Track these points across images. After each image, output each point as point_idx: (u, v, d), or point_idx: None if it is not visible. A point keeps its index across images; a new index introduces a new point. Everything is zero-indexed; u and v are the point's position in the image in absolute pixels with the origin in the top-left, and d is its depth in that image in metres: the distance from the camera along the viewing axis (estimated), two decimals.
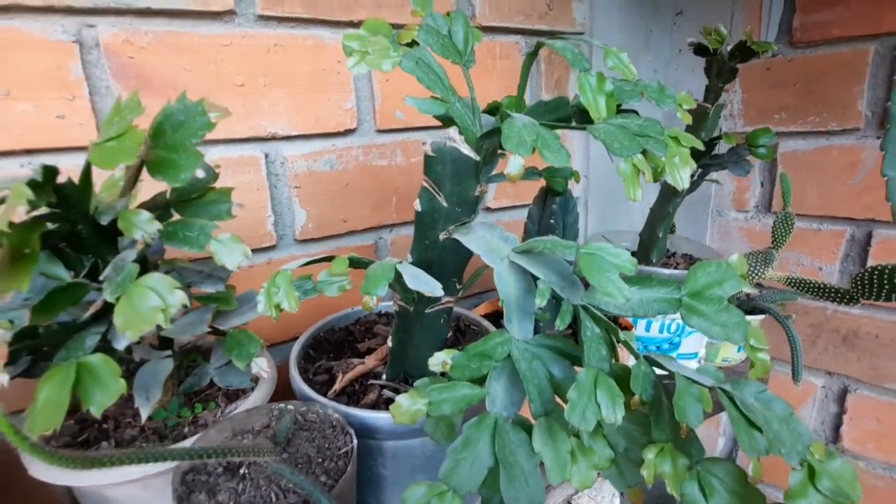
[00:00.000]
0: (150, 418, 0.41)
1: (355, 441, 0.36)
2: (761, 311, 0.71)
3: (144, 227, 0.27)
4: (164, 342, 0.39)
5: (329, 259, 0.32)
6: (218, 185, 0.43)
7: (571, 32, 0.79)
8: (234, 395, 0.45)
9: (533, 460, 0.26)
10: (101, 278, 0.27)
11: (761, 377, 0.32)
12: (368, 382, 0.46)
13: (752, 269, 0.68)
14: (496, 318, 0.63)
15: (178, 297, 0.24)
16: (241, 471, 0.35)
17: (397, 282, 0.32)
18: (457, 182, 0.34)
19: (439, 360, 0.27)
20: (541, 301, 0.29)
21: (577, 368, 0.29)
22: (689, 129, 0.63)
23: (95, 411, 0.24)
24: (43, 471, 0.36)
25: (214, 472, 0.35)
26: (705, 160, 0.62)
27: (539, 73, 0.78)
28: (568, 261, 0.32)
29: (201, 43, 0.55)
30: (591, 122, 0.34)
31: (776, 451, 0.25)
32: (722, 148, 0.62)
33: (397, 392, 0.45)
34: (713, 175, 0.71)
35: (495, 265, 0.32)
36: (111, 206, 0.28)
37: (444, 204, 0.35)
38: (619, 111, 0.34)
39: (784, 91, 0.77)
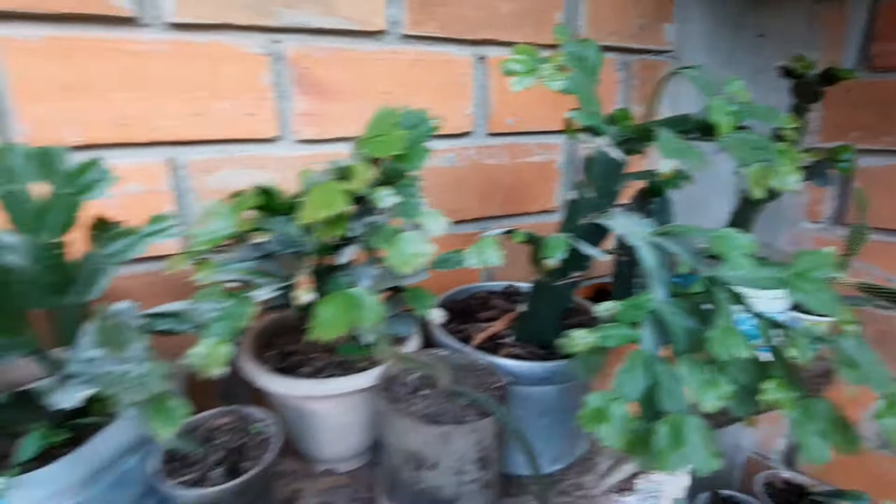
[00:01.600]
0: (331, 352, 0.52)
1: (505, 379, 0.46)
2: None
3: (388, 200, 0.37)
4: None
5: (509, 232, 0.42)
6: None
7: (661, 51, 0.87)
8: (395, 342, 0.55)
9: (678, 383, 0.35)
10: (352, 236, 0.38)
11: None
12: (498, 341, 0.56)
13: None
14: (592, 300, 0.72)
15: (431, 248, 0.35)
16: (422, 392, 0.45)
17: (564, 252, 0.41)
18: (605, 178, 0.43)
19: (607, 307, 0.36)
20: (683, 270, 0.38)
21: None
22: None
23: (367, 324, 0.35)
24: (265, 380, 0.47)
25: (403, 392, 0.45)
26: None
27: (630, 88, 0.86)
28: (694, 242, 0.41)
29: (359, 57, 0.66)
30: (712, 135, 0.43)
31: (866, 383, 0.33)
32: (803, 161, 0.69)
33: (524, 350, 0.54)
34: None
35: (637, 244, 0.41)
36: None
37: (593, 195, 0.44)
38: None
39: (862, 111, 0.83)
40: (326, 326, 0.35)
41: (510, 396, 0.49)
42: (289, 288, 0.37)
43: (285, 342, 0.55)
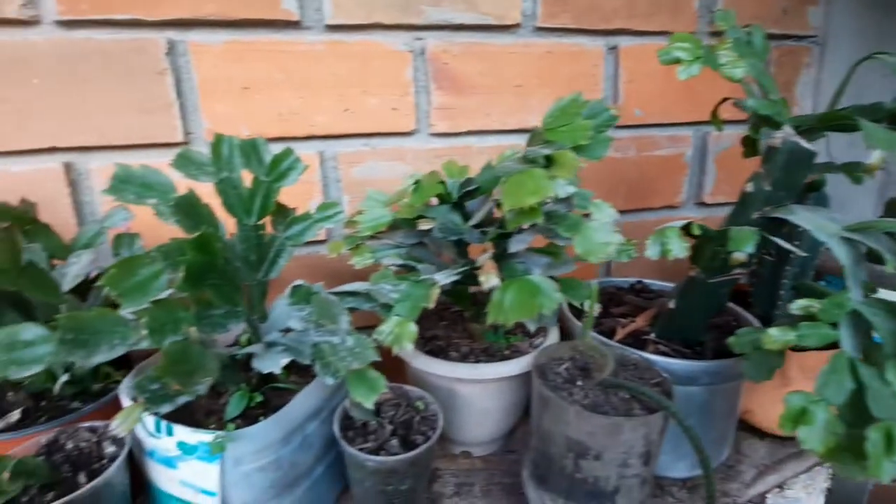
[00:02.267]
0: (473, 338, 0.54)
1: (665, 375, 0.45)
2: None
3: (565, 189, 0.38)
4: None
5: (687, 226, 0.41)
6: None
7: (804, 36, 0.80)
8: (533, 333, 0.56)
9: (887, 388, 0.32)
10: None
11: None
12: (641, 337, 0.55)
13: None
14: None
15: (618, 238, 0.35)
16: (578, 382, 0.45)
17: (753, 245, 0.39)
18: (788, 170, 0.41)
19: (803, 304, 0.35)
20: (889, 268, 0.35)
21: None
22: None
23: (548, 311, 0.36)
24: (420, 362, 0.49)
25: (559, 381, 0.46)
26: None
27: (769, 75, 0.80)
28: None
29: (494, 51, 0.67)
30: None
31: None
32: None
33: (668, 347, 0.53)
34: None
35: (828, 240, 0.38)
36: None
37: (770, 188, 0.42)
38: None
39: None
40: (509, 311, 0.37)
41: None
42: (465, 273, 0.39)
43: (425, 327, 0.57)
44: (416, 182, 0.42)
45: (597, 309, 0.47)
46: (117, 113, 0.58)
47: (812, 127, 0.43)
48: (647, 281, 0.68)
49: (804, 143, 0.40)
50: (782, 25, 0.79)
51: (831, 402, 0.32)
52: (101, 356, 0.31)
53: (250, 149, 0.44)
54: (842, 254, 0.37)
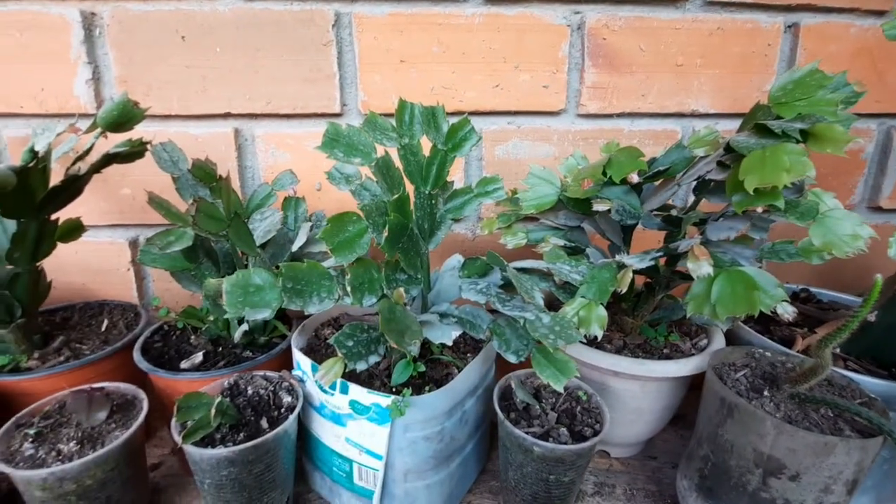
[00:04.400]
0: (624, 333, 0.51)
1: (872, 395, 0.39)
2: None
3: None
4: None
5: None
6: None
7: None
8: (694, 333, 0.52)
9: None
10: (738, 210, 0.35)
11: None
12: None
13: None
14: None
15: (868, 231, 0.30)
16: (765, 392, 0.41)
17: None
18: None
19: None
20: None
21: None
22: None
23: (765, 308, 0.32)
24: (580, 354, 0.47)
25: (739, 388, 0.41)
26: None
27: None
28: None
29: (658, 27, 0.62)
30: None
31: None
32: None
33: (858, 365, 0.46)
34: None
35: None
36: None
37: None
38: None
39: None
40: (718, 304, 0.33)
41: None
42: (657, 259, 0.36)
43: None
44: (609, 158, 0.39)
45: (791, 311, 0.42)
46: (284, 82, 0.60)
47: None
48: (813, 289, 0.61)
49: None
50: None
51: None
52: (314, 307, 0.32)
53: (430, 116, 0.44)
54: None
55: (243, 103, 0.61)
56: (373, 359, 0.34)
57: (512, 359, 0.35)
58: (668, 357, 0.48)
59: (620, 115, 0.65)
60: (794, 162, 0.28)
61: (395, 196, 0.33)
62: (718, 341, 0.49)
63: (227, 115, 0.61)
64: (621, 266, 0.37)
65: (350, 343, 0.33)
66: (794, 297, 0.61)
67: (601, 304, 0.36)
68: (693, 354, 0.48)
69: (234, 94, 0.60)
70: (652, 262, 0.37)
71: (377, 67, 0.61)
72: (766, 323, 0.54)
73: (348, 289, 0.32)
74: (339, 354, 0.32)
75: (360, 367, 0.33)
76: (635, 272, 0.37)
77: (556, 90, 0.63)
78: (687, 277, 0.43)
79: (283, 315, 0.56)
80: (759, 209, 0.32)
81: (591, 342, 0.50)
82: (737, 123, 0.66)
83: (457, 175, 0.66)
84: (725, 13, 0.63)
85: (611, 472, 0.53)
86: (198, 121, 0.61)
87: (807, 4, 0.63)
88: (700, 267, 0.33)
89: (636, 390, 0.48)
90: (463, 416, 0.43)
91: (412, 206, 0.42)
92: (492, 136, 0.65)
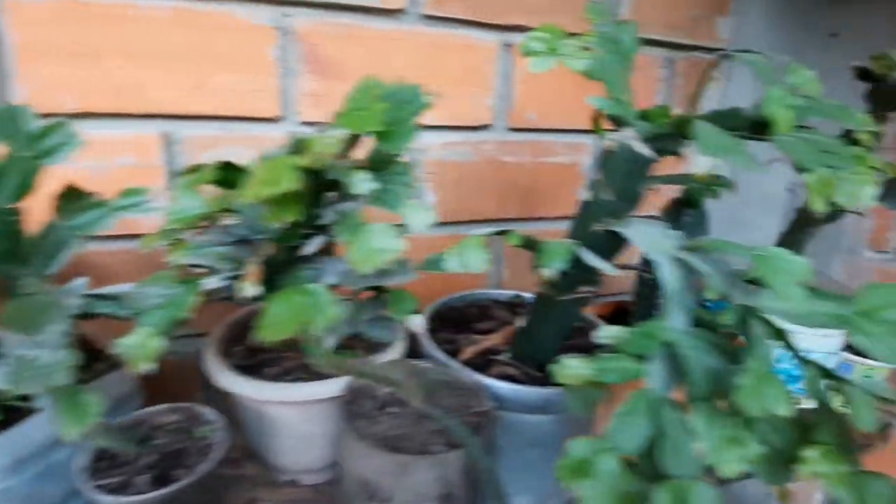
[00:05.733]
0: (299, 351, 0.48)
1: (489, 403, 0.40)
2: None
3: (364, 186, 0.32)
4: None
5: (503, 233, 0.35)
6: None
7: (713, 49, 0.78)
8: (374, 348, 0.50)
9: (690, 437, 0.27)
10: (319, 223, 0.33)
11: None
12: (491, 357, 0.49)
13: None
14: (609, 321, 0.64)
15: (399, 244, 0.29)
16: (391, 409, 0.39)
17: (564, 261, 0.34)
18: (627, 178, 0.36)
19: (612, 332, 0.30)
20: (711, 296, 0.30)
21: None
22: None
23: (319, 327, 0.30)
24: (222, 378, 0.43)
25: (370, 407, 0.40)
26: None
27: (673, 88, 0.78)
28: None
29: (374, 36, 0.61)
30: (765, 133, 0.35)
31: None
32: None
33: (518, 371, 0.48)
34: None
35: (658, 259, 0.34)
36: (333, 166, 0.33)
37: (611, 197, 0.37)
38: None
39: None
40: (274, 326, 0.30)
41: (495, 423, 0.42)
42: (237, 278, 0.33)
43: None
44: (195, 167, 0.36)
45: (420, 323, 0.41)
46: None
47: (663, 133, 0.38)
48: (526, 294, 0.63)
49: (638, 147, 0.35)
50: (690, 35, 0.76)
51: (623, 451, 0.27)
52: None
53: (7, 117, 0.36)
54: (669, 275, 0.33)
55: None
56: None
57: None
58: (332, 377, 0.45)
59: None
60: (277, 175, 0.26)
61: None
62: (393, 354, 0.48)
63: None
64: (197, 287, 0.33)
65: None
66: (506, 304, 0.63)
67: (164, 332, 0.31)
68: None
69: None
70: (225, 283, 0.34)
71: (43, 61, 0.52)
72: (463, 331, 0.54)
73: None
74: None
75: None
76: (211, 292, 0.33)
77: (268, 96, 0.60)
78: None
79: None
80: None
81: (259, 366, 0.46)
82: (461, 136, 0.68)
83: (158, 185, 0.58)
84: (442, 27, 0.64)
85: (296, 502, 0.49)
86: None
87: (521, 25, 0.67)
88: (244, 288, 0.30)
89: (295, 416, 0.44)
90: (48, 469, 0.36)
91: None
92: (199, 142, 0.59)
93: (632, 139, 0.35)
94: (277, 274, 0.34)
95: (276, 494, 0.48)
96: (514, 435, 0.45)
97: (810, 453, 0.27)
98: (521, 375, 0.47)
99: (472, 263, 0.34)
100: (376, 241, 0.29)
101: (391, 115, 0.33)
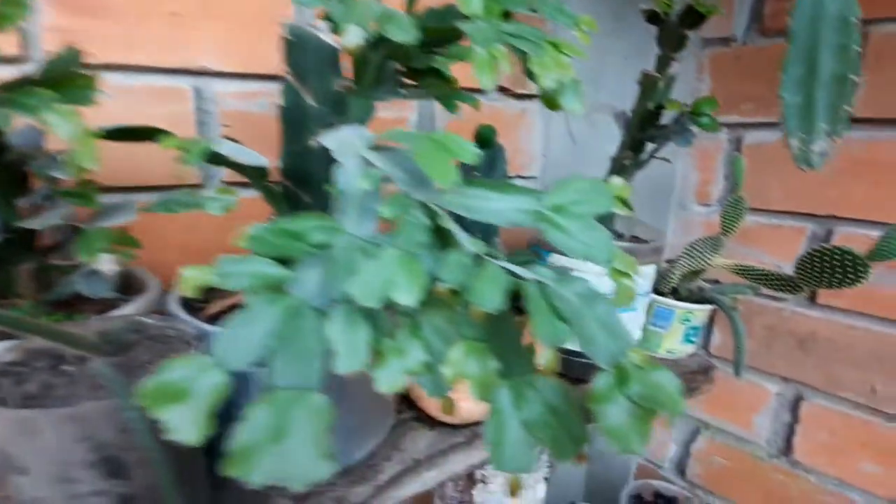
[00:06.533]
0: None
1: (192, 351, 0.34)
2: (709, 302, 0.68)
3: None
4: (23, 235, 0.37)
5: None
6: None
7: None
8: (107, 308, 0.42)
9: (321, 344, 0.23)
10: None
11: (625, 305, 0.30)
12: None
13: (698, 254, 0.65)
14: None
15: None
16: (65, 367, 0.32)
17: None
18: (319, 76, 0.32)
19: (241, 231, 0.25)
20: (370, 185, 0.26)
21: None
22: (638, 99, 0.61)
23: None
24: None
25: (37, 366, 0.32)
26: (651, 130, 0.59)
27: None
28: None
29: None
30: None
31: (586, 349, 0.22)
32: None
33: None
34: (665, 155, 0.68)
35: (345, 160, 0.29)
36: None
37: (312, 102, 0.33)
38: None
39: (752, 81, 0.75)
40: None
41: None
42: None
43: None
44: None
45: (109, 264, 0.34)
46: None
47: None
48: None
49: (324, 36, 0.30)
50: None
51: (232, 367, 0.22)
52: None
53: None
54: (348, 174, 0.28)
55: None
56: None
57: None
58: None
59: (108, 68, 0.55)
60: None
61: None
62: (127, 311, 0.41)
63: None
64: None
65: None
66: None
67: None
68: None
69: None
70: None
71: None
72: None
73: None
74: None
75: None
76: None
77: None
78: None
79: None
80: None
81: None
82: (259, 85, 0.62)
83: None
84: None
85: None
86: None
87: None
88: None
89: None
90: None
91: None
92: None
93: (320, 28, 0.31)
94: None
95: None
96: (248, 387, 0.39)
97: (454, 353, 0.23)
98: None
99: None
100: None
101: None
